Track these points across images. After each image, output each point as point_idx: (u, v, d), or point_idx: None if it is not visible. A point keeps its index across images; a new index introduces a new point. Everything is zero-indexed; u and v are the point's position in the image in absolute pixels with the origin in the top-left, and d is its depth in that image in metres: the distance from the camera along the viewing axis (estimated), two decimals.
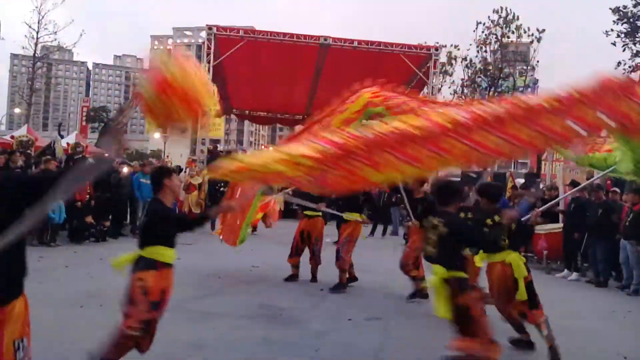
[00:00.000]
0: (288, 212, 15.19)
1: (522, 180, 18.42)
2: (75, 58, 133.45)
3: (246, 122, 79.44)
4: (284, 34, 19.22)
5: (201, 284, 7.52)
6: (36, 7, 30.74)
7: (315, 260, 8.13)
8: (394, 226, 16.02)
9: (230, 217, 7.92)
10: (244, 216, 7.61)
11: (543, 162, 21.76)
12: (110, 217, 11.94)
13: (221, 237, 8.34)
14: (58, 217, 10.39)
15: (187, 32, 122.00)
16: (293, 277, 8.19)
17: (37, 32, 30.83)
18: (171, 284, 3.93)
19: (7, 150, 12.30)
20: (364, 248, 12.24)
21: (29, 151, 15.31)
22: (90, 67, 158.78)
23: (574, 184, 10.57)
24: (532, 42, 27.95)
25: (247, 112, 26.95)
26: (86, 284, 7.22)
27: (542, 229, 11.15)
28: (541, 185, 15.18)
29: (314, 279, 8.17)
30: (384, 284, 8.26)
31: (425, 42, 24.75)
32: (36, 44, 31.23)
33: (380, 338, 5.62)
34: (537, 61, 28.66)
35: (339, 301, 7.06)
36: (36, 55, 31.97)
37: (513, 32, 27.55)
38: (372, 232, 14.89)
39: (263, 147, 24.78)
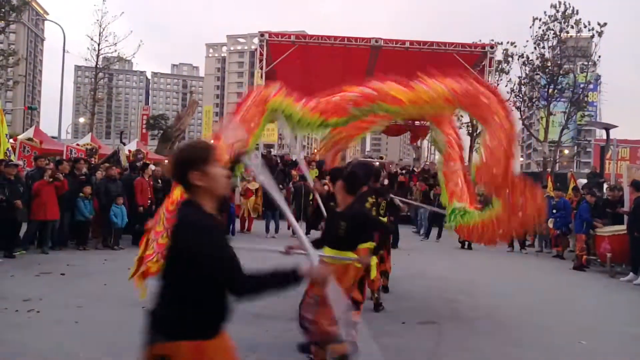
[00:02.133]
0: None
1: (584, 181, 17.72)
2: (134, 68, 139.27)
3: None
4: (335, 37, 19.32)
5: None
6: (97, 20, 32.32)
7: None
8: (424, 228, 15.64)
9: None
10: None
11: (607, 162, 20.79)
12: None
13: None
14: (120, 222, 10.85)
15: (241, 39, 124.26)
16: None
17: (99, 44, 32.36)
18: None
19: (71, 158, 12.97)
20: (418, 252, 12.16)
21: (92, 158, 16.06)
22: (149, 76, 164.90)
23: (635, 184, 10.07)
24: (592, 36, 26.80)
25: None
26: (148, 285, 7.49)
27: (605, 230, 10.72)
28: (605, 186, 14.52)
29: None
30: (438, 287, 8.14)
31: (480, 40, 24.27)
32: (98, 56, 32.72)
33: (434, 342, 5.55)
34: (599, 56, 27.49)
35: (392, 304, 7.02)
36: (98, 66, 33.51)
37: (572, 27, 26.50)
38: (427, 235, 14.74)
39: (316, 151, 25.05)
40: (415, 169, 22.28)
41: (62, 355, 4.72)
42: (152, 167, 12.74)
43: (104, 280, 7.77)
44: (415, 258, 9.95)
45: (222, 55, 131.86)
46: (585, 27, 26.22)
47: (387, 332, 5.77)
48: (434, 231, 14.87)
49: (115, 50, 33.91)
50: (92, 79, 35.68)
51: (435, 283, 8.35)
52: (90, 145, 19.39)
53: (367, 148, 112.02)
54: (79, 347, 4.88)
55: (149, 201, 11.60)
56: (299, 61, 19.87)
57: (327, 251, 4.41)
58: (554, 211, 12.72)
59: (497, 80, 26.42)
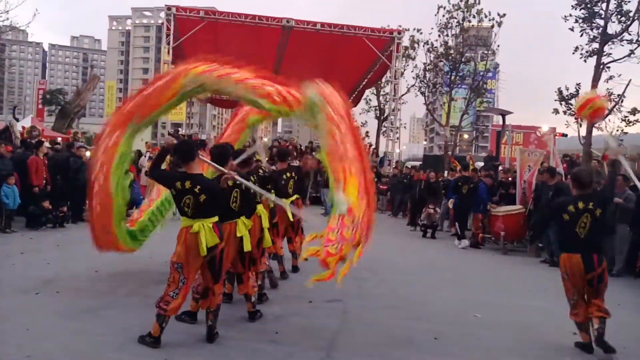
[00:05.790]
0: None
1: (481, 164, 18.82)
2: (30, 39, 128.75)
3: (208, 106, 78.17)
4: (246, 15, 18.96)
5: (164, 269, 7.44)
6: None
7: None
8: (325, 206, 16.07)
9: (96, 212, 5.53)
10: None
11: (502, 146, 22.23)
12: (68, 202, 11.62)
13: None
14: (12, 203, 10.08)
15: (147, 13, 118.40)
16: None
17: None
18: None
19: None
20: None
21: None
22: (46, 48, 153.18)
23: (551, 170, 10.66)
24: (492, 26, 28.29)
25: (209, 95, 26.55)
26: (42, 270, 7.06)
27: (500, 210, 11.49)
28: (500, 168, 15.52)
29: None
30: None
31: (389, 26, 24.86)
32: None
33: (340, 320, 5.70)
34: (498, 45, 29.11)
35: (300, 283, 7.11)
36: None
37: (474, 17, 27.80)
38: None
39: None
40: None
41: None
42: (46, 144, 11.92)
43: None
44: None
45: (127, 28, 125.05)
46: (485, 17, 27.61)
47: (294, 311, 5.85)
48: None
49: (8, 19, 30.94)
50: None
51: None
52: None
53: (279, 130, 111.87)
54: None
55: (44, 181, 10.87)
56: (208, 38, 19.31)
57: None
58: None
59: (404, 66, 27.30)
